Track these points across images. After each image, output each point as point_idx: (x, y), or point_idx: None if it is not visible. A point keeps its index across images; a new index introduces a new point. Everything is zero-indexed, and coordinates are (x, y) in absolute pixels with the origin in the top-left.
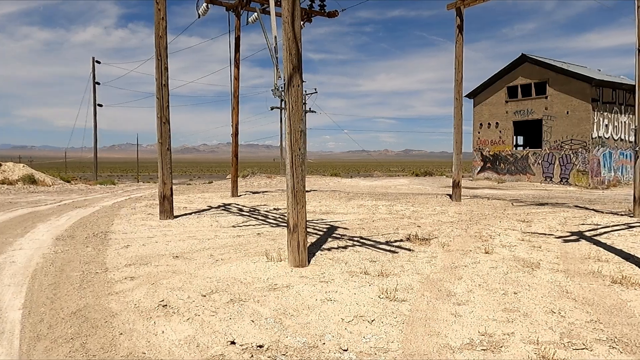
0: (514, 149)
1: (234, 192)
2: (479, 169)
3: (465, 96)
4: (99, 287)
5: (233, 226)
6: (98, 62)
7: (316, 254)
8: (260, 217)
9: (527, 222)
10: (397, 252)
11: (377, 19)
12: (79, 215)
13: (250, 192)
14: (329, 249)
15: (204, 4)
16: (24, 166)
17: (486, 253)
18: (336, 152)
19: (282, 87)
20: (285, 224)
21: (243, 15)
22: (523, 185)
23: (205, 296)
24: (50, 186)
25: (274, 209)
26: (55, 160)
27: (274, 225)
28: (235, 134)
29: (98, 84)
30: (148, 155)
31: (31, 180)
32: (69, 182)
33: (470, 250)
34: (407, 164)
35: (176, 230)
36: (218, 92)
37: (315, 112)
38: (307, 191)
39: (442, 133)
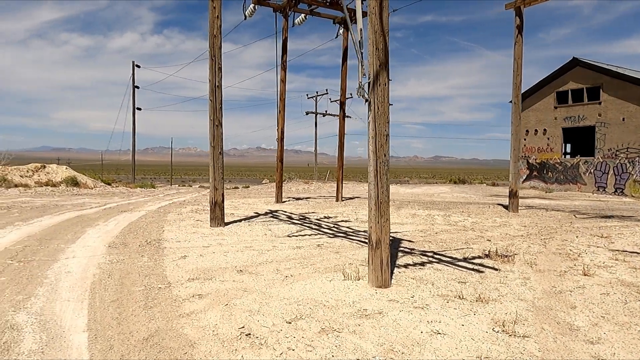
0: (563, 156)
1: (279, 199)
2: (524, 178)
3: (509, 102)
4: (167, 306)
5: (288, 236)
6: (138, 66)
7: (394, 271)
8: (313, 226)
9: (606, 237)
10: (482, 272)
11: (408, 24)
12: (127, 220)
13: (293, 198)
14: (405, 266)
15: (251, 5)
16: (66, 168)
17: (585, 275)
18: (365, 158)
19: (366, 86)
20: (343, 235)
21: (288, 16)
22: (574, 195)
23: (290, 323)
24: (92, 188)
25: (325, 217)
26: (91, 162)
27: (331, 236)
28: (281, 138)
29: (137, 87)
30: (180, 159)
31: (74, 183)
32: (109, 184)
33: (565, 271)
34: (438, 171)
35: (230, 239)
36: (249, 97)
37: (350, 117)
38: (350, 198)
39: (472, 139)
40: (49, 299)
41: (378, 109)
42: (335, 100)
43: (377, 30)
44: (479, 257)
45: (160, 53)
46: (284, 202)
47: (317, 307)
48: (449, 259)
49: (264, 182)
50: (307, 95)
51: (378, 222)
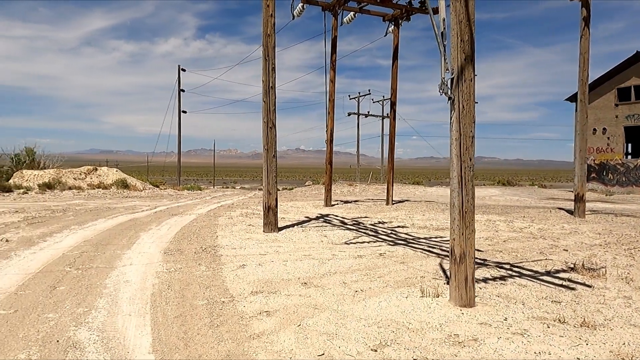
0: (625, 157)
1: (328, 202)
2: None
3: (565, 99)
4: (234, 325)
5: (346, 243)
6: (183, 69)
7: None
8: (370, 233)
9: None
10: (574, 289)
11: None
12: (178, 225)
13: (341, 201)
14: (483, 281)
15: (300, 5)
16: (117, 171)
17: None
18: (404, 159)
19: (449, 82)
20: (404, 242)
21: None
22: (638, 198)
23: (376, 351)
24: (141, 191)
25: (379, 222)
26: (137, 164)
27: (391, 244)
28: (330, 140)
29: (183, 91)
30: (221, 161)
31: (124, 185)
32: (157, 187)
33: None
34: (480, 172)
35: (286, 246)
36: (287, 99)
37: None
38: (400, 202)
39: (516, 140)
40: (109, 312)
41: (463, 107)
42: (378, 101)
43: (462, 19)
44: (563, 270)
45: (202, 57)
46: (333, 205)
47: (400, 330)
48: (530, 273)
49: (307, 184)
50: (349, 96)
51: (462, 234)
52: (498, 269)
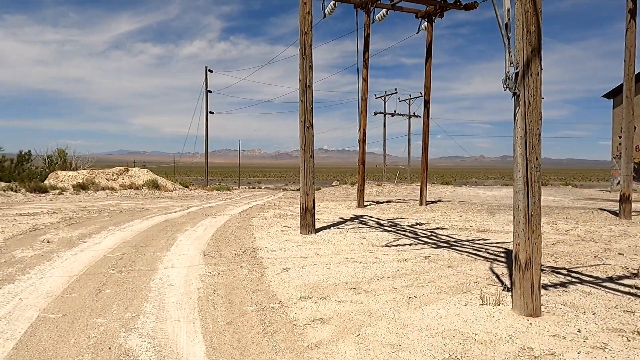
0: None
1: (361, 203)
2: (619, 179)
3: (602, 96)
4: (288, 333)
5: (386, 245)
6: (210, 70)
7: None
8: (409, 235)
9: None
10: None
11: (473, 20)
12: (214, 226)
13: (373, 201)
14: (544, 287)
15: (331, 3)
16: (147, 172)
17: None
18: (429, 158)
19: (514, 77)
20: (446, 245)
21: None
22: None
23: None
24: (172, 191)
25: (416, 223)
26: (164, 165)
27: (434, 247)
28: (363, 139)
29: (210, 92)
30: (245, 161)
31: (154, 186)
32: (187, 187)
33: None
34: (506, 171)
35: (326, 248)
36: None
37: (420, 116)
38: (433, 202)
39: (544, 138)
40: (158, 317)
41: (529, 103)
42: (405, 100)
43: (528, 9)
44: (626, 276)
45: (226, 58)
46: (366, 206)
47: (467, 342)
48: (591, 279)
49: (333, 184)
50: (375, 95)
51: (529, 239)
52: (555, 274)
